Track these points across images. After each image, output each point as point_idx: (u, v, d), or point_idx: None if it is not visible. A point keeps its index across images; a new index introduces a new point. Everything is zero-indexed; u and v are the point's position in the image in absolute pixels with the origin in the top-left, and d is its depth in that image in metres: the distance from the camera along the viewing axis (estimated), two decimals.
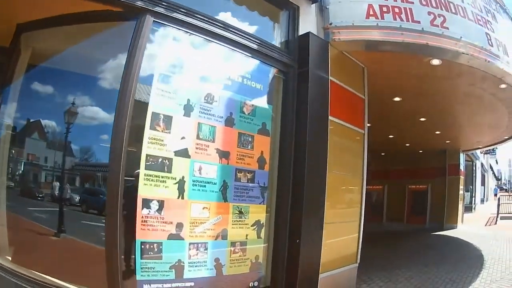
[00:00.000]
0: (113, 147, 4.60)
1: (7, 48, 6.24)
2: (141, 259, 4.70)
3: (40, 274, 5.27)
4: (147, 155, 4.70)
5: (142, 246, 4.70)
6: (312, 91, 6.16)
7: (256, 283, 5.79)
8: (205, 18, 5.25)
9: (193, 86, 5.24)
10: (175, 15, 5.01)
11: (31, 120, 6.35)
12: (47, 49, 6.32)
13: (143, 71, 4.77)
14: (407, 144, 18.76)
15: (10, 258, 5.80)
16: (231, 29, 5.56)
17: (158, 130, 4.79)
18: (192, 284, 5.07)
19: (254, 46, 5.82)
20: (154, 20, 4.87)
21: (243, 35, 5.70)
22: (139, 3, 4.78)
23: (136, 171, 4.66)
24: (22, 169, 6.55)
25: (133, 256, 4.70)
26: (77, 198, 5.89)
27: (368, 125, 7.95)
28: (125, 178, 4.60)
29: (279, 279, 5.98)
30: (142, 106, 4.76)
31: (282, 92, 6.28)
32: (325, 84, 6.47)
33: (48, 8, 5.48)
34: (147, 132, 4.73)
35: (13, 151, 6.38)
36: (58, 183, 6.10)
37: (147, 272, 4.75)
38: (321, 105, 6.36)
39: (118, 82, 4.73)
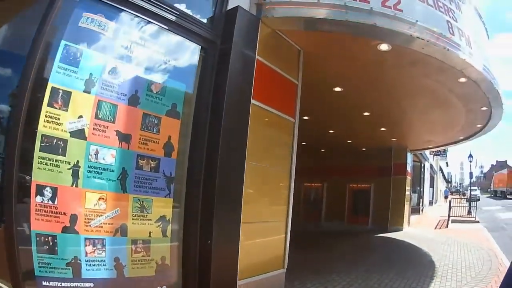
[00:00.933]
0: (11, 128, 4.24)
1: None
2: (37, 252, 4.31)
3: None
4: (42, 135, 4.28)
5: (38, 238, 4.32)
6: (233, 70, 5.72)
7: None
8: None
9: (97, 59, 4.75)
10: None
11: None
12: None
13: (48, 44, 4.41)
14: (349, 141, 18.43)
15: None
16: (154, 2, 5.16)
17: (55, 107, 4.35)
18: (91, 285, 4.66)
19: (172, 17, 5.38)
20: None
21: (160, 4, 5.23)
22: None
23: None
24: None
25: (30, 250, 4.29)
26: None
27: (306, 117, 7.51)
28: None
29: (190, 285, 5.52)
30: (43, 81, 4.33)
31: (200, 70, 5.81)
32: (250, 64, 6.04)
33: None
34: (44, 109, 4.30)
35: None
36: None
37: (44, 268, 4.38)
38: (242, 87, 5.92)
39: None
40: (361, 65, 8.18)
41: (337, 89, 9.75)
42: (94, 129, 4.59)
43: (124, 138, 4.83)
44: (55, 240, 4.36)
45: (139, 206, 4.99)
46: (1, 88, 4.94)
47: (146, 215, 5.08)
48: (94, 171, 4.59)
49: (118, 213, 4.78)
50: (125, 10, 4.97)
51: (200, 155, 5.58)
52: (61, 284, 4.42)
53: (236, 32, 5.79)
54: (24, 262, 4.25)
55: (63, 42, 4.46)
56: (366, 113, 12.40)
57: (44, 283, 4.34)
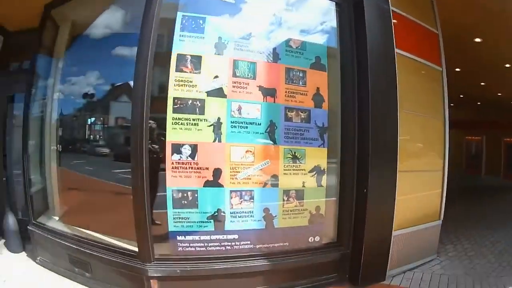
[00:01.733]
0: (134, 95, 4.67)
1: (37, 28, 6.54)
2: (173, 208, 4.69)
3: (87, 231, 5.59)
4: (174, 98, 4.66)
5: (174, 195, 4.70)
6: (371, 23, 5.56)
7: (317, 238, 5.46)
8: None
9: (224, 23, 5.03)
10: None
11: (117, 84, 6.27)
12: (87, 18, 6.31)
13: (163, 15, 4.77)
14: (499, 94, 16.87)
15: (57, 218, 6.26)
16: None
17: (185, 72, 4.73)
18: (236, 236, 4.96)
19: None
20: None
21: None
22: None
23: None
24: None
25: (164, 206, 4.69)
26: None
27: (457, 69, 7.11)
28: (152, 123, 4.67)
29: (346, 235, 5.57)
30: (166, 51, 4.75)
31: (338, 24, 5.76)
32: (386, 14, 5.81)
33: None
34: (173, 75, 4.68)
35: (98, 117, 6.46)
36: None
37: (180, 223, 4.76)
38: (383, 37, 5.74)
39: None
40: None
41: (477, 39, 9.10)
42: (233, 86, 4.86)
43: (268, 92, 5.04)
44: (196, 195, 4.74)
45: (290, 156, 5.17)
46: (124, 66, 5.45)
47: (299, 166, 5.24)
48: (238, 125, 4.88)
49: (268, 164, 5.02)
50: None
51: (352, 105, 5.54)
52: (199, 237, 4.80)
53: None
54: (156, 219, 4.73)
55: (179, 14, 4.81)
56: (507, 65, 11.41)
57: (179, 237, 4.75)
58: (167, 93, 4.64)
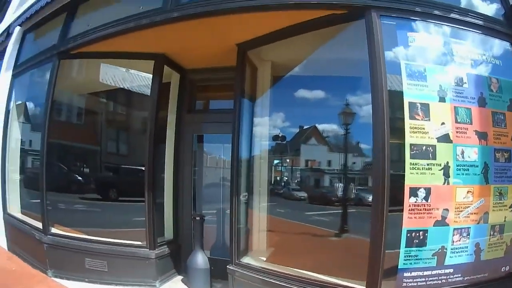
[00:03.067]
0: (375, 140, 5.13)
1: (235, 67, 6.94)
2: (405, 247, 5.08)
3: (299, 270, 5.97)
4: (410, 144, 5.06)
5: (408, 235, 5.07)
6: None
7: (507, 268, 5.84)
8: (427, 3, 5.55)
9: (441, 71, 5.47)
10: (395, 5, 5.39)
11: (305, 127, 6.78)
12: (288, 60, 7.04)
13: (388, 65, 5.21)
14: None
15: (264, 258, 6.59)
16: (455, 10, 5.72)
17: (417, 119, 5.13)
18: (451, 270, 5.34)
19: (480, 22, 5.87)
20: (380, 15, 5.30)
21: (467, 13, 5.81)
22: (358, 3, 5.39)
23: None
24: (294, 176, 7.13)
25: (397, 245, 5.06)
26: (369, 198, 6.31)
27: None
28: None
29: None
30: (396, 98, 5.17)
31: None
32: None
33: (267, 25, 6.27)
34: (408, 122, 5.09)
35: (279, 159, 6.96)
36: (342, 184, 6.75)
37: (409, 260, 5.14)
38: None
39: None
40: None
41: None
42: (456, 132, 5.28)
43: (482, 136, 5.45)
44: (426, 234, 5.12)
45: (498, 194, 5.56)
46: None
47: (503, 202, 5.63)
48: (462, 168, 5.27)
49: (482, 203, 5.41)
50: (445, 24, 5.66)
51: None
52: (423, 272, 5.17)
53: None
54: (388, 258, 5.11)
55: (402, 62, 5.26)
56: None
57: (406, 274, 5.11)
58: (404, 140, 5.06)
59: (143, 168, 7.44)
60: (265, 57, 7.20)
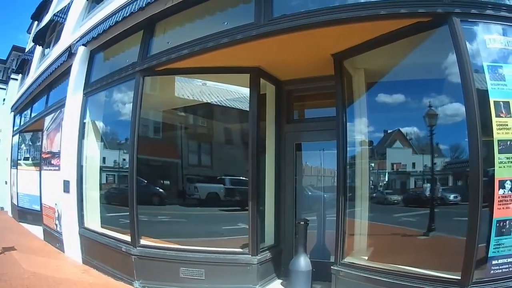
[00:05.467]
0: (470, 140, 5.63)
1: (334, 77, 7.39)
2: (495, 236, 5.56)
3: (399, 266, 6.44)
4: (498, 141, 5.55)
5: (497, 224, 5.56)
6: None
7: None
8: (500, 7, 5.97)
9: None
10: (474, 10, 5.85)
11: (389, 131, 7.31)
12: (379, 66, 7.56)
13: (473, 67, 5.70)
14: None
15: (366, 258, 7.04)
16: None
17: (502, 116, 5.62)
18: None
19: None
20: (461, 20, 5.79)
21: None
22: (440, 10, 5.88)
23: None
24: (385, 180, 7.50)
25: (486, 235, 5.56)
26: (451, 196, 6.83)
27: None
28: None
29: None
30: (483, 98, 5.65)
31: None
32: None
33: (362, 35, 6.77)
34: (494, 120, 5.59)
35: (372, 164, 7.41)
36: (428, 185, 7.15)
37: (497, 249, 5.60)
38: None
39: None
40: None
41: None
42: None
43: None
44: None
45: None
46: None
47: None
48: None
49: None
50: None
51: None
52: (507, 260, 5.62)
53: None
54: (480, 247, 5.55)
55: (485, 64, 5.74)
56: None
57: (494, 262, 5.57)
58: (492, 137, 5.54)
59: (241, 178, 7.82)
60: (358, 65, 7.64)
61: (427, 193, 7.25)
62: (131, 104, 8.95)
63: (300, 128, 9.11)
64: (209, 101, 11.04)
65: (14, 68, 29.11)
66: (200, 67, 8.45)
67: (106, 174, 11.25)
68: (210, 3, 7.97)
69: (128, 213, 8.70)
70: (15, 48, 32.65)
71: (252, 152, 8.09)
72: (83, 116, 10.91)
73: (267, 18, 6.90)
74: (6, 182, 23.13)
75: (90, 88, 10.82)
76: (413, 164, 7.45)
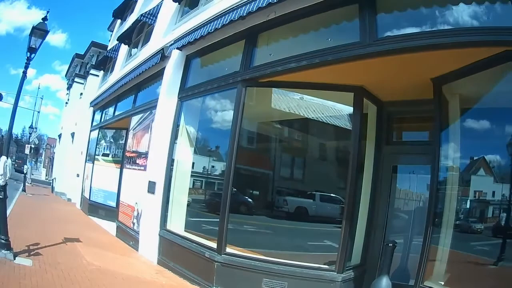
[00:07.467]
0: None
1: (432, 100, 7.58)
2: None
3: None
4: None
5: None
6: None
7: None
8: None
9: None
10: None
11: (475, 158, 7.42)
12: (471, 93, 7.63)
13: None
14: None
15: (442, 283, 7.17)
16: None
17: None
18: None
19: None
20: None
21: None
22: None
23: None
24: (467, 207, 7.63)
25: None
26: None
27: None
28: None
29: None
30: None
31: None
32: None
33: (460, 61, 6.82)
34: None
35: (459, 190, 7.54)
36: (505, 215, 7.14)
37: None
38: None
39: None
40: None
41: None
42: None
43: None
44: None
45: None
46: None
47: None
48: None
49: None
50: None
51: None
52: None
53: None
54: None
55: None
56: None
57: None
58: None
59: (332, 195, 8.03)
60: (454, 91, 7.62)
61: (503, 222, 7.21)
62: (229, 113, 9.32)
63: (398, 151, 9.23)
64: (306, 116, 11.20)
65: (93, 63, 30.23)
66: (303, 81, 8.66)
67: (194, 179, 11.57)
68: (314, 18, 8.12)
69: (212, 220, 9.13)
70: (94, 44, 33.97)
71: (352, 171, 8.21)
72: (177, 120, 11.23)
73: (372, 38, 7.02)
74: (78, 175, 23.95)
75: (186, 93, 11.16)
76: (493, 193, 7.44)
